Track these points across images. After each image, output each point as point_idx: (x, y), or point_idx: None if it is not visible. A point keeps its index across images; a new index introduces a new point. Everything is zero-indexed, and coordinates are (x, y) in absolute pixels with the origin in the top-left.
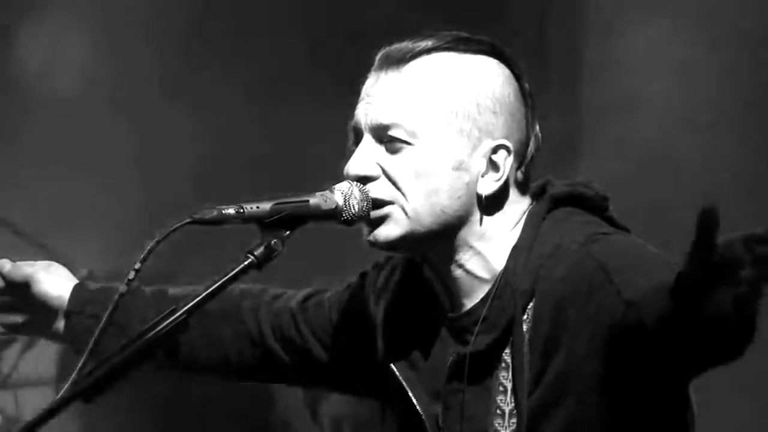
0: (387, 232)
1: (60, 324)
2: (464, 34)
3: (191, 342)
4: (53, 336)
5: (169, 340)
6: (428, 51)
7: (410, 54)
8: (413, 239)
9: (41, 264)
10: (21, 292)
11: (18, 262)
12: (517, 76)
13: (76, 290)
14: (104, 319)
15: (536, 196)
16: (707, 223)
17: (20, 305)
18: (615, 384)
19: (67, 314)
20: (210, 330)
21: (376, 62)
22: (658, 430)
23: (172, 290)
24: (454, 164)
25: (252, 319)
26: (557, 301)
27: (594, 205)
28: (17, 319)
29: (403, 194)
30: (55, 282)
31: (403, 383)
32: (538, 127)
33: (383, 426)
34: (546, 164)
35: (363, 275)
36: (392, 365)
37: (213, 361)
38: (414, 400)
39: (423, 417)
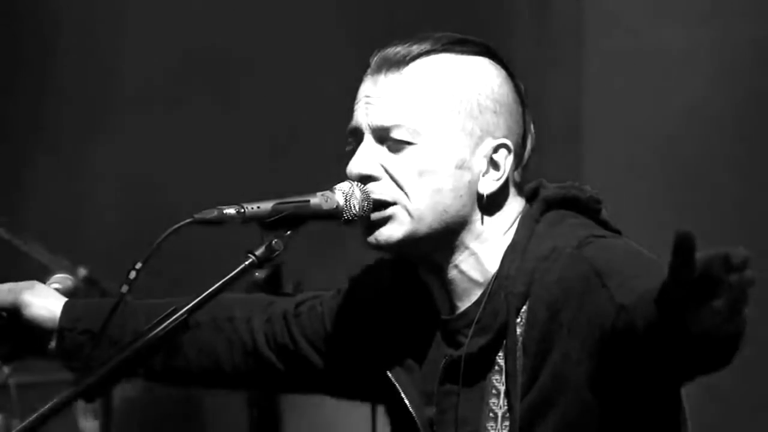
0: (389, 232)
1: (53, 344)
2: (459, 36)
3: (183, 354)
4: (47, 355)
5: (170, 341)
6: (427, 53)
7: (409, 56)
8: (414, 240)
9: (24, 285)
10: (8, 317)
11: (1, 285)
12: (512, 76)
13: (67, 308)
14: (108, 316)
15: (529, 198)
16: (683, 246)
17: (9, 330)
18: (607, 387)
19: (60, 332)
20: (202, 340)
21: (373, 65)
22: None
23: (162, 302)
24: (457, 163)
25: (244, 328)
26: (551, 304)
27: (587, 208)
28: (6, 346)
29: (406, 194)
30: (44, 304)
31: (397, 386)
32: (533, 127)
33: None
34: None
35: (355, 279)
36: (385, 368)
37: (206, 372)
38: (407, 402)
39: (416, 419)
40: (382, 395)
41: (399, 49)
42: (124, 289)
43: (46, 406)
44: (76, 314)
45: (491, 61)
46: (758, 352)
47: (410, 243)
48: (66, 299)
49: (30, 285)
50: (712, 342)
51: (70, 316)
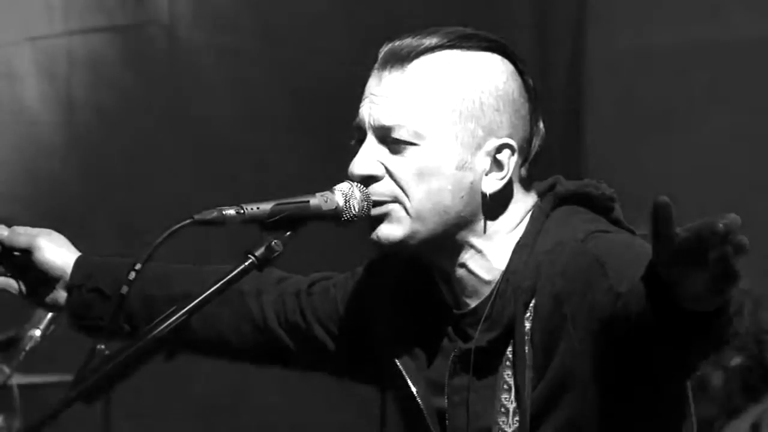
0: (389, 232)
1: (59, 295)
2: (468, 30)
3: (191, 326)
4: (52, 306)
5: (170, 341)
6: (431, 49)
7: (413, 53)
8: (416, 239)
9: (41, 231)
10: (20, 259)
11: (16, 227)
12: (521, 72)
13: (79, 263)
14: (112, 312)
15: (543, 194)
16: (661, 213)
17: (19, 272)
18: (611, 379)
19: (69, 287)
20: (210, 313)
21: (379, 60)
22: (658, 426)
23: (177, 268)
24: (458, 164)
25: (255, 303)
26: (555, 297)
27: (599, 205)
28: (15, 285)
29: (405, 194)
30: (57, 251)
31: (406, 376)
32: (541, 124)
33: (384, 424)
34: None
35: (369, 265)
36: (394, 356)
37: (212, 344)
38: (414, 390)
39: (424, 410)
40: (390, 382)
41: (405, 44)
42: (124, 290)
43: (48, 407)
44: (88, 270)
45: (500, 57)
46: None
47: (412, 243)
48: (80, 253)
49: (48, 231)
50: (704, 314)
51: (82, 273)
